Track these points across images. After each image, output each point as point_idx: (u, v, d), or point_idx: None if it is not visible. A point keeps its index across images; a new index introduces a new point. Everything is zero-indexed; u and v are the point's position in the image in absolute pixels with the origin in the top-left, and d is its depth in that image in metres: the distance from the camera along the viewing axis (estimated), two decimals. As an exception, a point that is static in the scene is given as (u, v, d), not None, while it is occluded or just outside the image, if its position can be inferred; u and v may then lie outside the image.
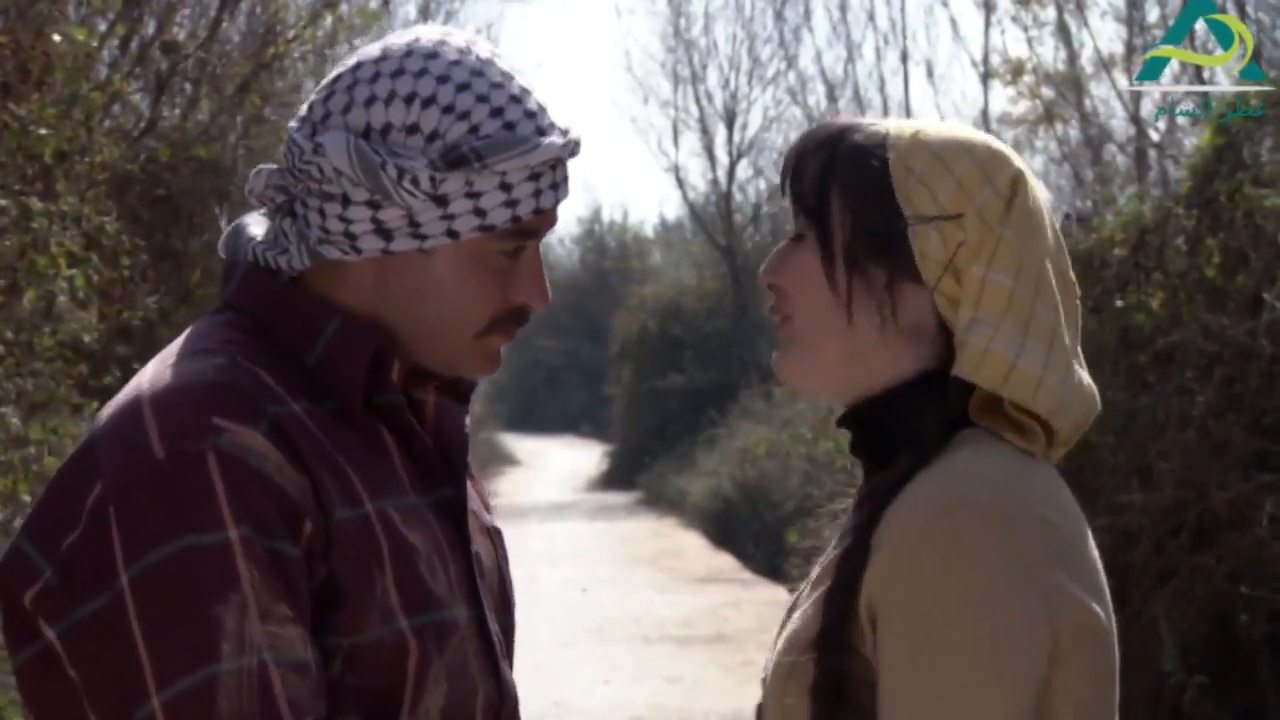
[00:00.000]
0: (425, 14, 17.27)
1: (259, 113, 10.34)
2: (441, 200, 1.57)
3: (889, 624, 1.53)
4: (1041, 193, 1.67)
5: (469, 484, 1.75)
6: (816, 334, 1.65)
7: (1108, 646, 1.58)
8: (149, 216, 8.83)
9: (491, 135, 1.58)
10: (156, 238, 8.72)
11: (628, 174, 77.16)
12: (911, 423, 1.61)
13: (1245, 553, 6.01)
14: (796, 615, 1.64)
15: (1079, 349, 1.65)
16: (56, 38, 6.63)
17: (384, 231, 1.58)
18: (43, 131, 6.21)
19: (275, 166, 1.64)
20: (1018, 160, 1.66)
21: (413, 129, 1.57)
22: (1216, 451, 6.16)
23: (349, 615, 1.52)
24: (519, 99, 1.60)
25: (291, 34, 10.32)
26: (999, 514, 1.53)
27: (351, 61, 1.62)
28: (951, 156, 1.63)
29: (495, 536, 1.78)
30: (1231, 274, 6.37)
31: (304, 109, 1.63)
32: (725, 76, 25.47)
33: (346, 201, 1.58)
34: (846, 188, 1.64)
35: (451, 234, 1.59)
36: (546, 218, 1.64)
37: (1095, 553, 1.60)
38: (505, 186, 1.58)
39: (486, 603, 1.67)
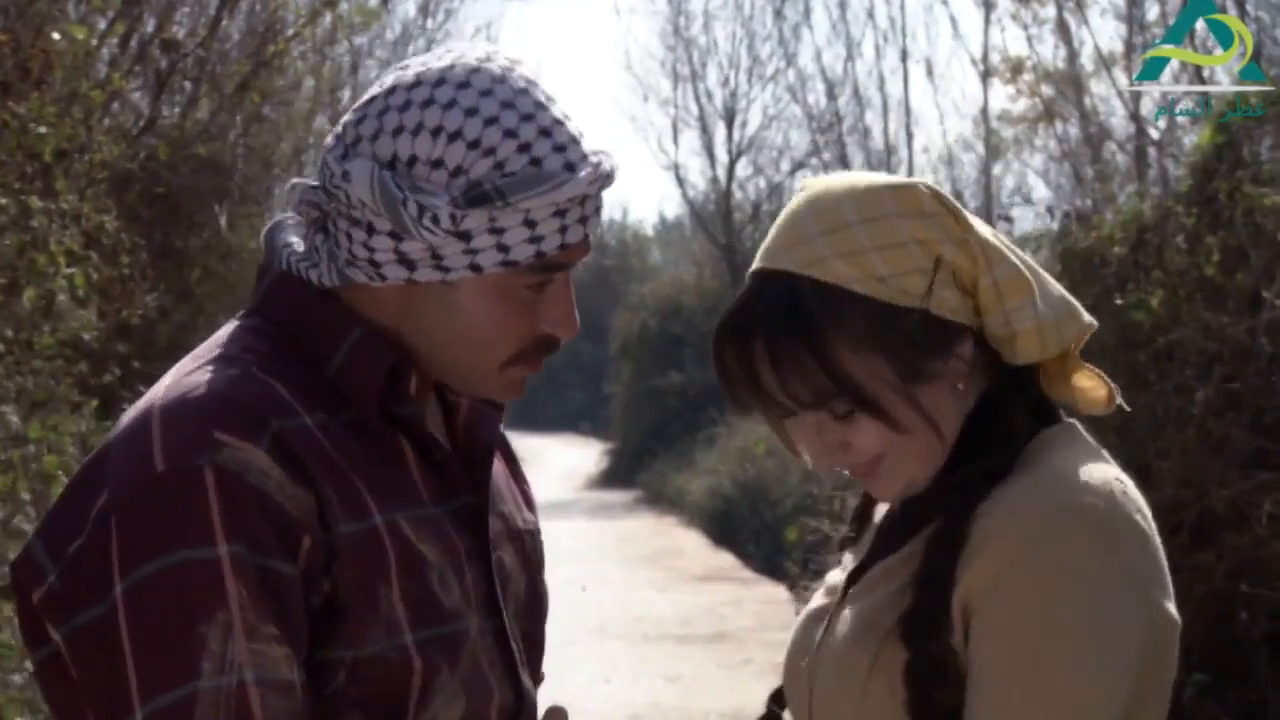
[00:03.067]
0: (425, 12, 17.25)
1: (258, 111, 10.35)
2: (464, 236, 1.56)
3: (991, 622, 1.54)
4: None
5: (508, 485, 1.77)
6: (917, 457, 1.64)
7: (1175, 647, 1.63)
8: (148, 215, 8.82)
9: (517, 172, 1.55)
10: (156, 236, 8.71)
11: (627, 172, 76.91)
12: (998, 425, 1.64)
13: (1245, 551, 6.01)
14: (865, 601, 1.64)
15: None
16: (56, 36, 6.63)
17: (407, 262, 1.58)
18: (42, 130, 6.21)
19: (311, 182, 1.64)
20: (911, 178, 1.66)
21: (437, 163, 1.55)
22: (1216, 450, 6.16)
23: (351, 629, 1.52)
24: (549, 132, 1.57)
25: (291, 32, 10.33)
26: (1108, 523, 1.56)
27: (388, 83, 1.60)
28: (891, 234, 1.62)
29: (528, 539, 1.78)
30: (1231, 272, 6.37)
31: (339, 127, 1.62)
32: (725, 75, 25.49)
33: (371, 230, 1.57)
34: (848, 345, 1.61)
35: (474, 268, 1.57)
36: (576, 251, 1.62)
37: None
38: (529, 223, 1.56)
39: (507, 611, 1.68)
